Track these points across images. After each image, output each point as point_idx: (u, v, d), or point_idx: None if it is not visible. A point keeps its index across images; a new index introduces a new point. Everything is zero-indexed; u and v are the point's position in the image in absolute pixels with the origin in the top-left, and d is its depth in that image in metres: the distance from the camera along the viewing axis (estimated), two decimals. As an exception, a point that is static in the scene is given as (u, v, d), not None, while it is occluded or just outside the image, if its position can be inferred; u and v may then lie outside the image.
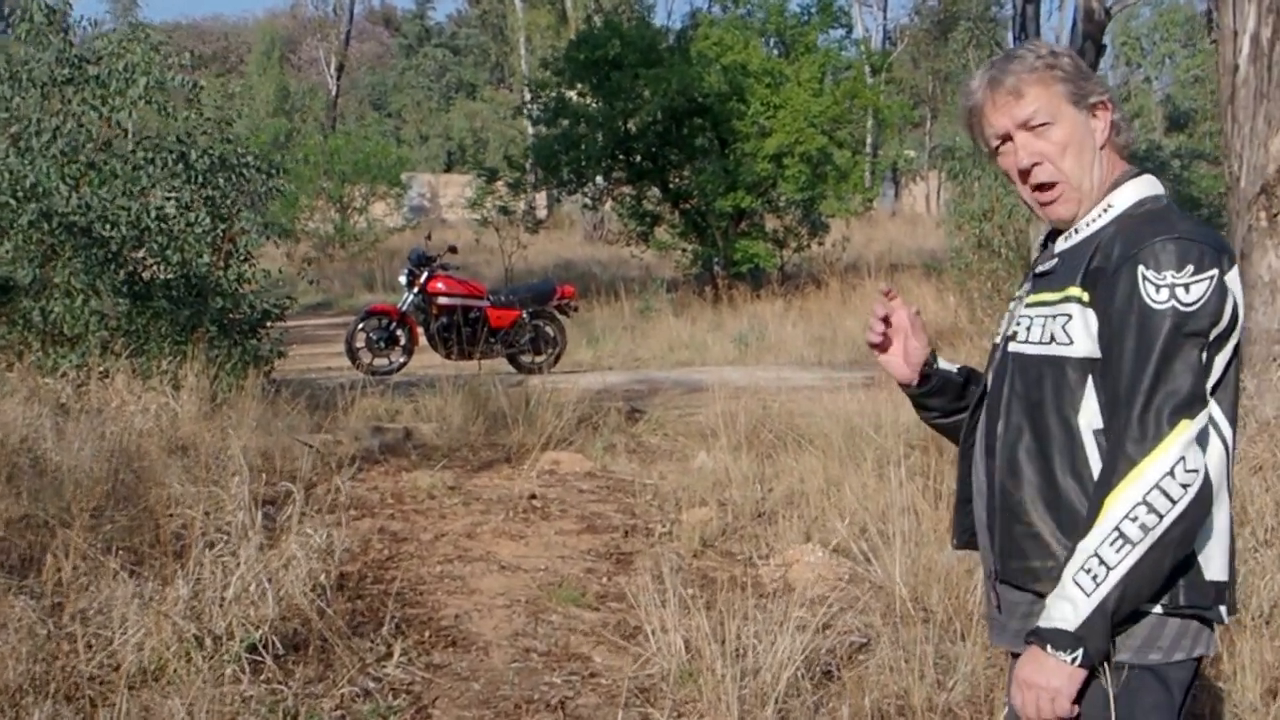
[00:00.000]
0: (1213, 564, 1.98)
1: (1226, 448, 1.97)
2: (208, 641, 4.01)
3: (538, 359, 12.48)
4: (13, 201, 7.72)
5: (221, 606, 4.11)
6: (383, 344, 11.98)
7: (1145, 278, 1.91)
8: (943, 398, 2.39)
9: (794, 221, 19.80)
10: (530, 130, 25.22)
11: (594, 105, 19.26)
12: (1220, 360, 1.96)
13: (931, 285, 16.40)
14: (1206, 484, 1.89)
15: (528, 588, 5.30)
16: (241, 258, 8.81)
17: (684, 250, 19.95)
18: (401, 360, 12.03)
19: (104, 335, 7.99)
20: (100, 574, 4.47)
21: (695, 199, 19.07)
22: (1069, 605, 1.92)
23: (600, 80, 18.80)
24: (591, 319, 16.16)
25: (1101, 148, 2.10)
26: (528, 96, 22.27)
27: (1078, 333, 2.00)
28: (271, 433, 7.56)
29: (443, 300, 12.15)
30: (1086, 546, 1.91)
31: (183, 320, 8.07)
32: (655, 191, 20.29)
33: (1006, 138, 2.13)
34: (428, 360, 12.34)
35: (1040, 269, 2.17)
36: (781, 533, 6.06)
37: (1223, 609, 2.00)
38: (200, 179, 8.45)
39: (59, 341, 7.99)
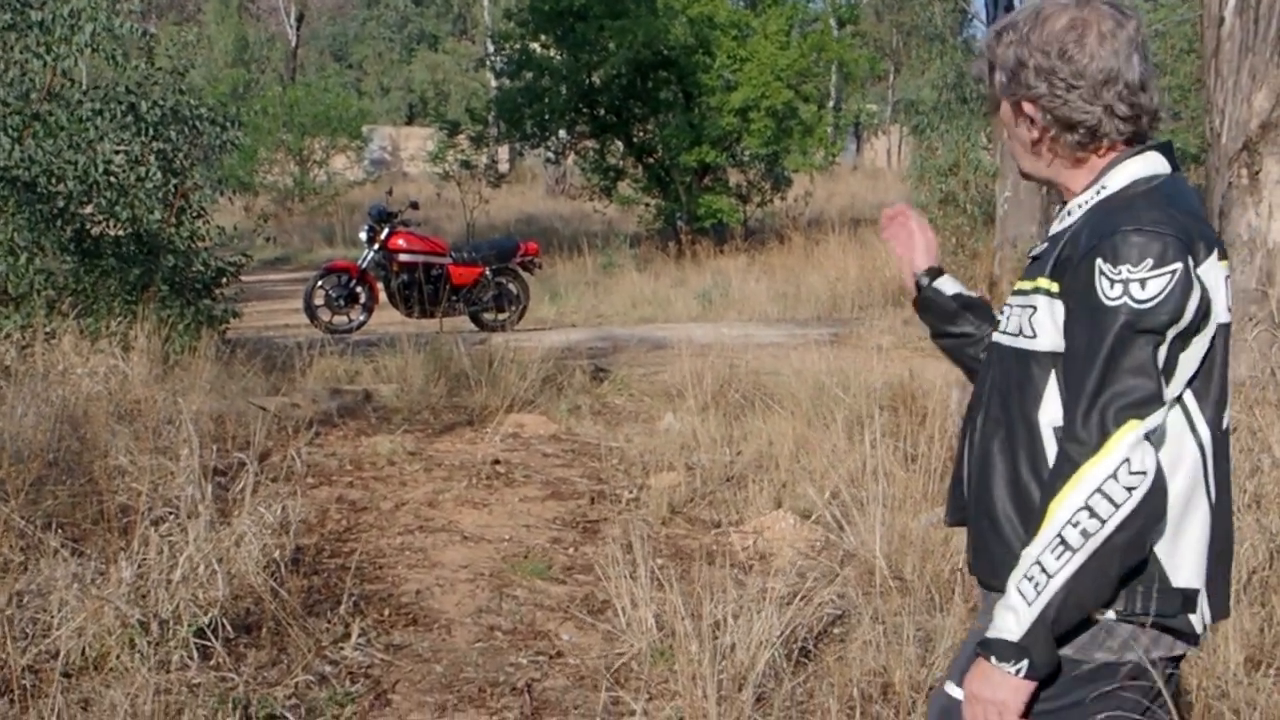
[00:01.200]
0: (1182, 570, 1.87)
1: (1203, 448, 1.87)
2: (153, 626, 3.75)
3: (500, 317, 12.19)
4: (-49, 155, 7.32)
5: (168, 588, 3.85)
6: (342, 302, 11.64)
7: (1101, 272, 1.80)
8: (930, 315, 2.32)
9: (758, 176, 19.51)
10: (493, 83, 24.70)
11: (558, 58, 18.84)
12: (1190, 356, 1.85)
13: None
14: (1157, 487, 1.77)
15: (491, 560, 5.07)
16: (194, 214, 8.44)
17: (647, 205, 19.64)
18: (361, 319, 11.70)
19: (50, 295, 7.63)
20: (39, 553, 4.19)
21: (659, 153, 18.75)
22: (1012, 615, 1.83)
23: (564, 32, 18.37)
24: (554, 275, 15.87)
25: (1036, 142, 1.97)
26: (490, 49, 21.79)
27: (1043, 326, 1.90)
28: (226, 396, 7.26)
29: (404, 257, 11.82)
30: (1030, 553, 1.82)
31: (133, 279, 7.72)
32: (619, 145, 19.93)
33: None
34: (389, 318, 12.03)
35: (1033, 252, 2.04)
36: (752, 498, 5.86)
37: (1193, 617, 1.89)
38: (151, 131, 8.06)
39: (3, 301, 7.63)
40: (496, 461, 6.49)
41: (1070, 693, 1.89)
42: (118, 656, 3.67)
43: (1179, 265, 1.77)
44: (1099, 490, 1.75)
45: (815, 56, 18.52)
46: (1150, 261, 1.77)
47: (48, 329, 7.49)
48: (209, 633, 3.81)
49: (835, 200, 24.78)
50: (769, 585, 4.69)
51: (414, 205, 12.68)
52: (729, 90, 17.81)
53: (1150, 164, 1.93)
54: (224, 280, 8.70)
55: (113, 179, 7.90)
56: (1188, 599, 1.87)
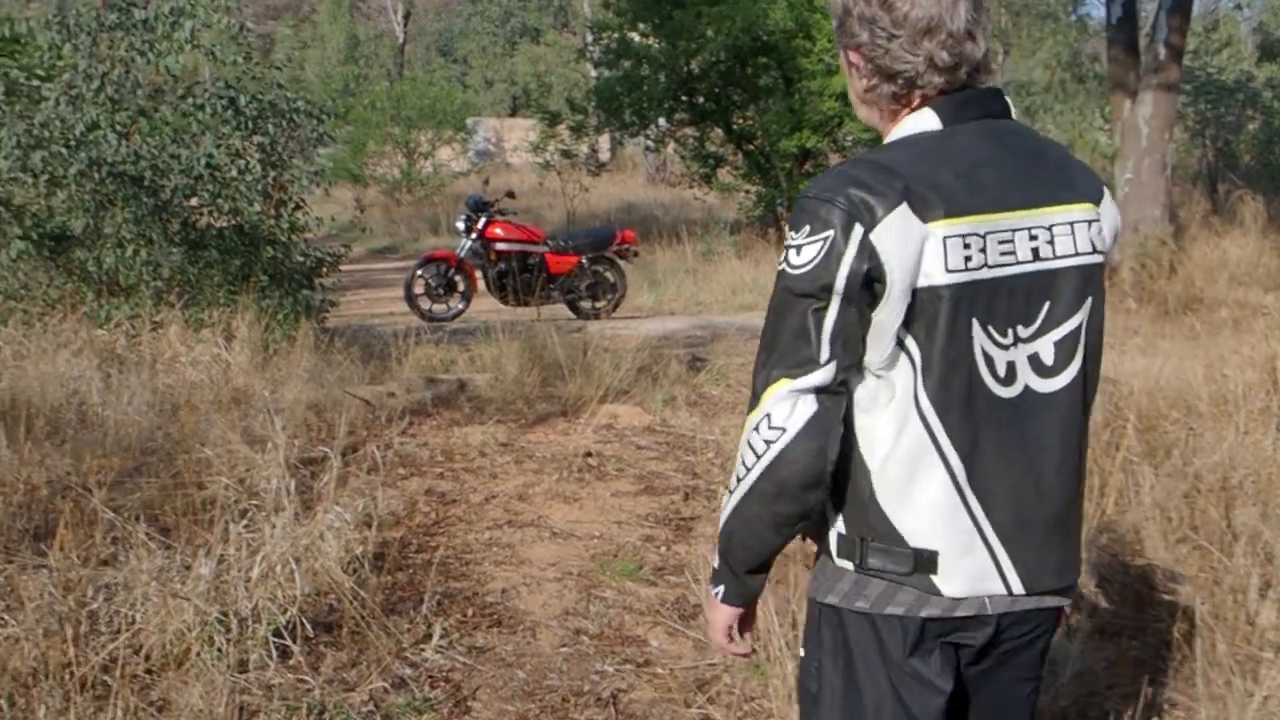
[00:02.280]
0: (917, 532, 1.82)
1: (923, 412, 1.80)
2: (233, 624, 3.63)
3: (597, 305, 12.02)
4: (64, 151, 7.35)
5: (247, 586, 3.72)
6: (441, 290, 11.57)
7: (785, 237, 1.83)
8: None
9: (859, 161, 18.99)
10: (593, 73, 24.55)
11: (656, 45, 18.55)
12: (884, 321, 1.77)
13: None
14: (803, 441, 1.76)
15: (580, 558, 4.89)
16: (293, 206, 8.40)
17: (747, 192, 19.29)
18: (460, 307, 11.62)
19: (158, 285, 7.64)
20: (129, 545, 4.11)
21: (759, 139, 18.37)
22: (713, 545, 1.98)
23: (662, 19, 18.06)
24: (653, 262, 15.66)
25: (866, 91, 1.90)
26: (589, 39, 21.59)
27: None
28: (323, 385, 7.20)
29: (500, 246, 11.70)
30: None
31: (234, 270, 7.70)
32: (718, 133, 19.58)
33: None
34: (487, 306, 11.94)
35: None
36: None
37: (935, 579, 1.83)
38: (250, 125, 8.03)
39: (114, 292, 7.66)
40: (588, 454, 6.32)
41: (812, 626, 1.96)
42: (197, 654, 3.56)
43: (831, 233, 1.74)
44: (747, 442, 1.81)
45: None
46: (806, 229, 1.77)
47: (155, 319, 7.51)
48: (286, 632, 3.68)
49: (938, 185, 24.10)
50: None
51: (510, 194, 12.56)
52: (830, 74, 17.35)
53: (920, 121, 1.85)
54: (323, 270, 8.66)
55: (215, 173, 7.88)
56: (922, 559, 1.82)
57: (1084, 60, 22.21)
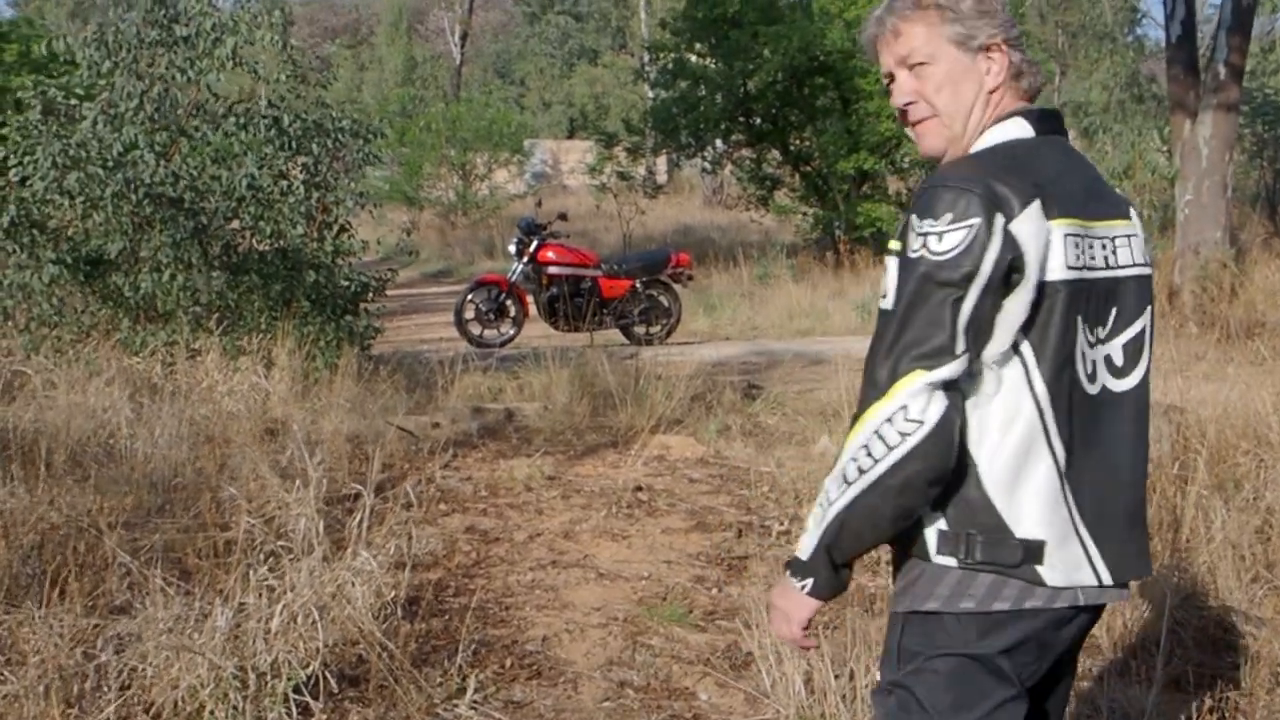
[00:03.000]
0: (1024, 521, 1.85)
1: (1039, 402, 1.85)
2: (250, 679, 3.37)
3: (651, 330, 11.73)
4: (101, 172, 7.21)
5: (266, 639, 3.46)
6: (492, 315, 11.34)
7: (911, 225, 1.83)
8: None
9: (918, 183, 18.62)
10: (649, 94, 24.37)
11: (712, 66, 18.33)
12: (1012, 312, 1.82)
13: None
14: (937, 436, 1.77)
15: (627, 601, 4.59)
16: (337, 228, 8.20)
17: (804, 214, 18.98)
18: (511, 332, 11.38)
19: (196, 311, 7.46)
20: (145, 590, 3.87)
21: (816, 161, 18.07)
22: (806, 536, 1.91)
23: (719, 39, 17.85)
24: (709, 286, 15.36)
25: (992, 91, 1.97)
26: (646, 59, 21.41)
27: (889, 285, 1.87)
28: (365, 415, 6.97)
29: (553, 270, 11.45)
30: (824, 483, 1.89)
31: (275, 295, 7.50)
32: (775, 154, 19.31)
33: (891, 76, 2.04)
34: (539, 331, 11.70)
35: None
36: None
37: (1040, 569, 1.86)
38: (294, 145, 7.86)
39: (151, 318, 7.50)
40: (639, 488, 6.02)
41: (904, 638, 1.93)
42: (210, 713, 3.30)
43: (977, 220, 1.77)
44: (876, 432, 1.79)
45: (980, 58, 17.51)
46: (950, 215, 1.78)
47: (193, 346, 7.33)
48: (307, 688, 3.41)
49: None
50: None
51: (563, 217, 12.32)
52: (887, 95, 16.98)
53: (1019, 127, 1.95)
54: (368, 295, 8.44)
55: (258, 194, 7.71)
56: (1030, 550, 1.85)
57: (1141, 81, 21.69)
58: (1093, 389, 1.92)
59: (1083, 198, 1.91)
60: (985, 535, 1.86)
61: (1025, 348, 1.86)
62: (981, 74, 1.97)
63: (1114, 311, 1.94)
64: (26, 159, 7.46)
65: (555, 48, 55.72)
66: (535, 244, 11.45)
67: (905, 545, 1.93)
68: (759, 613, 3.98)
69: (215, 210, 7.54)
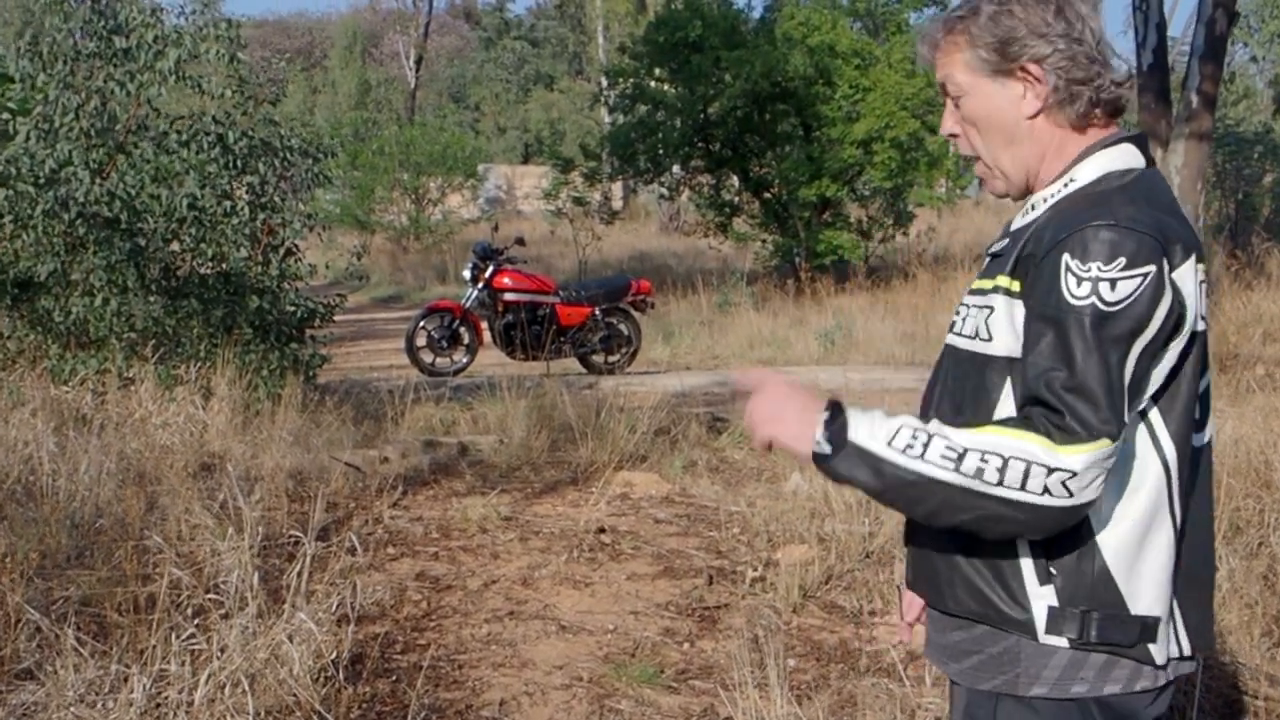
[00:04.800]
0: (1143, 598, 1.69)
1: (1168, 466, 1.69)
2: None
3: (610, 359, 11.37)
4: (32, 190, 6.78)
5: (189, 711, 3.07)
6: (445, 343, 10.94)
7: (1068, 268, 1.61)
8: None
9: (879, 211, 18.48)
10: (607, 119, 24.11)
11: (672, 91, 18.10)
12: (1161, 367, 1.66)
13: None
14: (1069, 515, 1.58)
15: (592, 658, 4.23)
16: (283, 252, 7.80)
17: (764, 241, 18.75)
18: (464, 361, 10.99)
19: (131, 338, 7.03)
20: (57, 650, 3.47)
21: (777, 187, 17.85)
22: (878, 433, 1.66)
23: (680, 64, 17.61)
24: (667, 314, 15.05)
25: (1034, 116, 1.76)
26: (604, 84, 21.12)
27: (1000, 328, 1.72)
28: (309, 449, 6.57)
29: (509, 296, 11.07)
30: (939, 430, 1.64)
31: (215, 320, 7.08)
32: (734, 181, 19.09)
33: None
34: (493, 359, 11.33)
35: (993, 249, 1.86)
36: (897, 580, 4.92)
37: (1153, 647, 1.69)
38: (239, 164, 7.46)
39: (83, 345, 7.05)
40: (602, 530, 5.67)
41: (987, 710, 1.75)
42: (123, 798, 2.91)
43: (1153, 267, 1.60)
44: (1029, 464, 1.57)
45: (942, 85, 17.38)
46: (1123, 260, 1.60)
47: (127, 374, 6.90)
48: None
49: (959, 235, 23.51)
50: (924, 701, 3.83)
51: (520, 241, 11.96)
52: (850, 121, 16.85)
53: (1124, 157, 1.76)
54: (315, 322, 8.03)
55: (199, 214, 7.30)
56: (1147, 628, 1.69)
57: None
58: (1197, 442, 1.77)
59: (1198, 239, 1.73)
60: (1103, 612, 1.68)
61: (1153, 406, 1.69)
62: (1017, 100, 1.77)
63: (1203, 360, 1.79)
64: (-49, 176, 7.02)
65: (511, 73, 55.54)
66: (491, 269, 11.07)
67: (982, 610, 1.73)
68: (736, 672, 3.66)
69: (154, 231, 7.12)
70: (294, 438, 6.64)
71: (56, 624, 3.54)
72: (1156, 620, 1.70)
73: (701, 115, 17.73)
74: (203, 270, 7.49)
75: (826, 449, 1.67)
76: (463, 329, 10.98)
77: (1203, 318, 1.71)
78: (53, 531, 4.71)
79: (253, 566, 3.75)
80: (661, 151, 18.25)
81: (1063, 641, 1.69)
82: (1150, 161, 1.78)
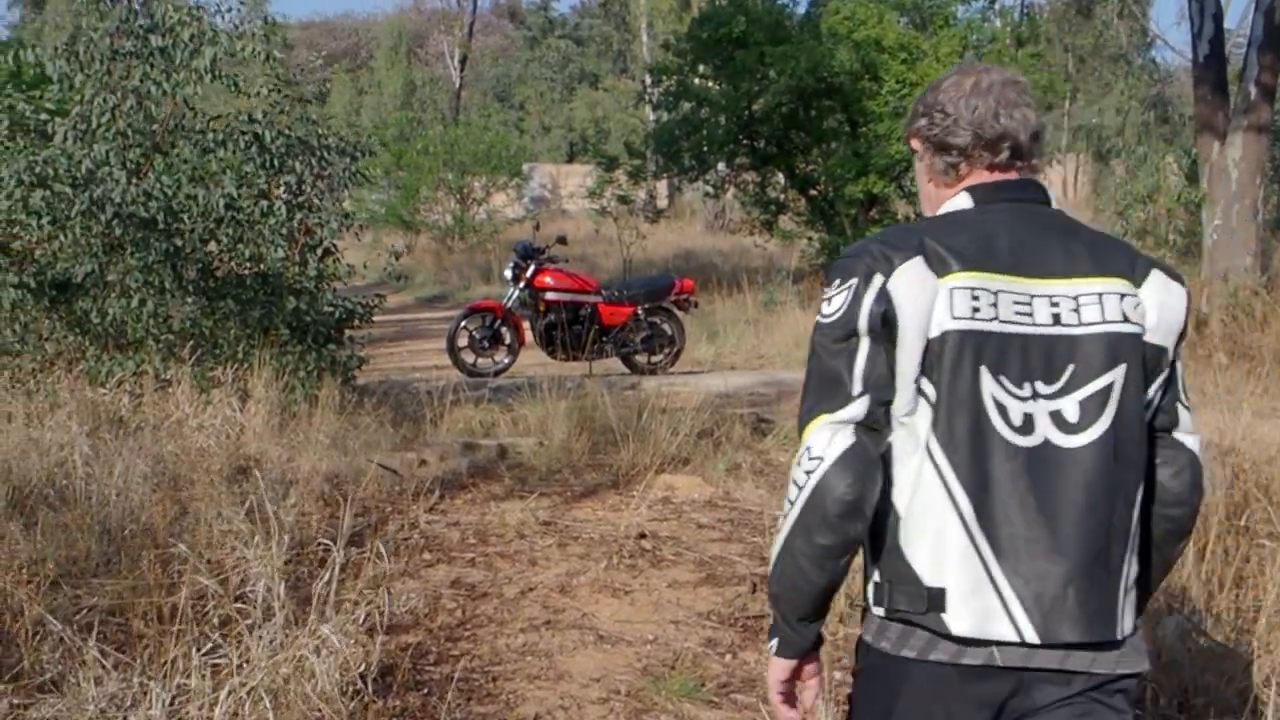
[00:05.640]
0: (928, 569, 1.88)
1: (932, 453, 1.89)
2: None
3: (654, 359, 11.21)
4: (69, 191, 6.74)
5: (209, 728, 2.96)
6: (486, 343, 10.82)
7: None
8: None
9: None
10: (651, 117, 23.95)
11: (716, 88, 17.90)
12: (905, 361, 1.90)
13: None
14: (830, 475, 1.85)
15: (630, 670, 4.10)
16: (320, 251, 7.72)
17: (810, 239, 18.52)
18: (506, 361, 10.87)
19: (168, 339, 6.98)
20: (81, 662, 3.38)
21: (823, 185, 17.62)
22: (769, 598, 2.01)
23: (724, 61, 17.40)
24: (712, 313, 14.88)
25: (929, 182, 2.10)
26: (648, 81, 20.94)
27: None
28: (346, 452, 6.49)
29: (550, 296, 10.93)
30: None
31: (252, 322, 7.01)
32: (780, 178, 18.86)
33: None
34: (535, 359, 11.22)
35: None
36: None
37: (945, 616, 1.86)
38: (276, 163, 7.39)
39: (120, 346, 7.01)
40: (642, 535, 5.54)
41: (859, 668, 2.01)
42: (141, 818, 2.81)
43: (855, 280, 1.90)
44: (791, 478, 1.90)
45: (991, 79, 16.99)
46: (837, 282, 1.93)
47: (164, 376, 6.85)
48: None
49: (1008, 232, 23.08)
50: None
51: (561, 240, 11.83)
52: (897, 117, 16.58)
53: (955, 203, 2.03)
54: (353, 323, 7.95)
55: (236, 214, 7.23)
56: (934, 597, 1.87)
57: (1165, 102, 21.27)
58: (1025, 440, 1.90)
59: (1015, 257, 1.93)
60: (900, 583, 1.90)
61: (922, 403, 1.90)
62: (919, 171, 2.14)
63: (1069, 369, 1.92)
64: (-9, 177, 7.00)
65: (555, 72, 55.53)
66: (532, 269, 10.95)
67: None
68: (779, 684, 3.50)
69: (191, 231, 7.06)
70: (331, 440, 6.55)
71: (80, 634, 3.45)
72: (943, 591, 1.86)
73: (746, 112, 17.53)
74: (240, 271, 7.42)
75: (774, 644, 1.99)
76: (504, 329, 10.87)
77: (957, 318, 1.88)
78: (83, 537, 4.65)
79: (280, 575, 3.64)
80: (706, 149, 18.06)
81: (881, 611, 1.92)
82: (997, 200, 2.02)
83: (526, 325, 11.11)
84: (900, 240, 1.93)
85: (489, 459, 6.80)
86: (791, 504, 1.88)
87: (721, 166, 19.16)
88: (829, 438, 1.86)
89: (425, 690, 3.79)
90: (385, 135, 27.37)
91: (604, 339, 10.94)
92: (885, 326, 1.88)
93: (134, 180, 6.87)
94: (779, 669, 1.99)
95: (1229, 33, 16.84)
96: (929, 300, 1.88)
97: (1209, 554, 4.43)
